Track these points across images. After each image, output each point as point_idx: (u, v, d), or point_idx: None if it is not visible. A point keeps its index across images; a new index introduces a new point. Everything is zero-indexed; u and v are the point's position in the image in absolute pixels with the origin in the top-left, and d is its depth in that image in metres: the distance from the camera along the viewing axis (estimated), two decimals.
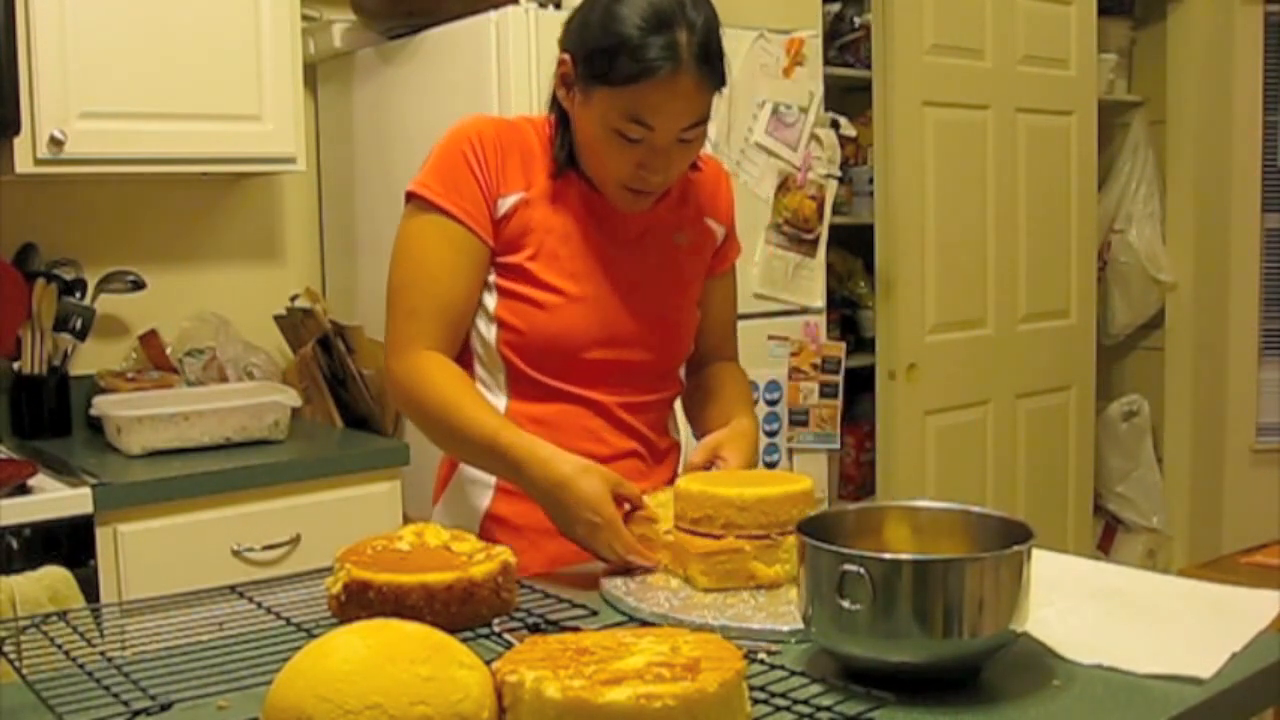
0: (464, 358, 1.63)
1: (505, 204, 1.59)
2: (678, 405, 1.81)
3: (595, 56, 1.49)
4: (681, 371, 1.76)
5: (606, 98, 1.50)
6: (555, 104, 1.61)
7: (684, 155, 1.57)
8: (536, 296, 1.59)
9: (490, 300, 1.61)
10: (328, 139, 3.13)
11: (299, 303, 2.99)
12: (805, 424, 3.02)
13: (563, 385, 1.62)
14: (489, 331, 1.61)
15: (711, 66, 1.50)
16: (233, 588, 1.35)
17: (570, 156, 1.61)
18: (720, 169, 1.82)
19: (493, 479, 1.62)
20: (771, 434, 2.97)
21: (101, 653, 1.18)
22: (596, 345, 1.61)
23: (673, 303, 1.69)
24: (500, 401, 1.62)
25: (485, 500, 1.64)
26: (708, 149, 2.59)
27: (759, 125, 2.89)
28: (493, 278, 1.61)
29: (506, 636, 1.19)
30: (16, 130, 2.36)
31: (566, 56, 1.55)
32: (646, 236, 1.67)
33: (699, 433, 1.75)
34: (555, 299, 1.59)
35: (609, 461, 1.57)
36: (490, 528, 1.62)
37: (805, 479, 1.45)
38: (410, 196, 1.61)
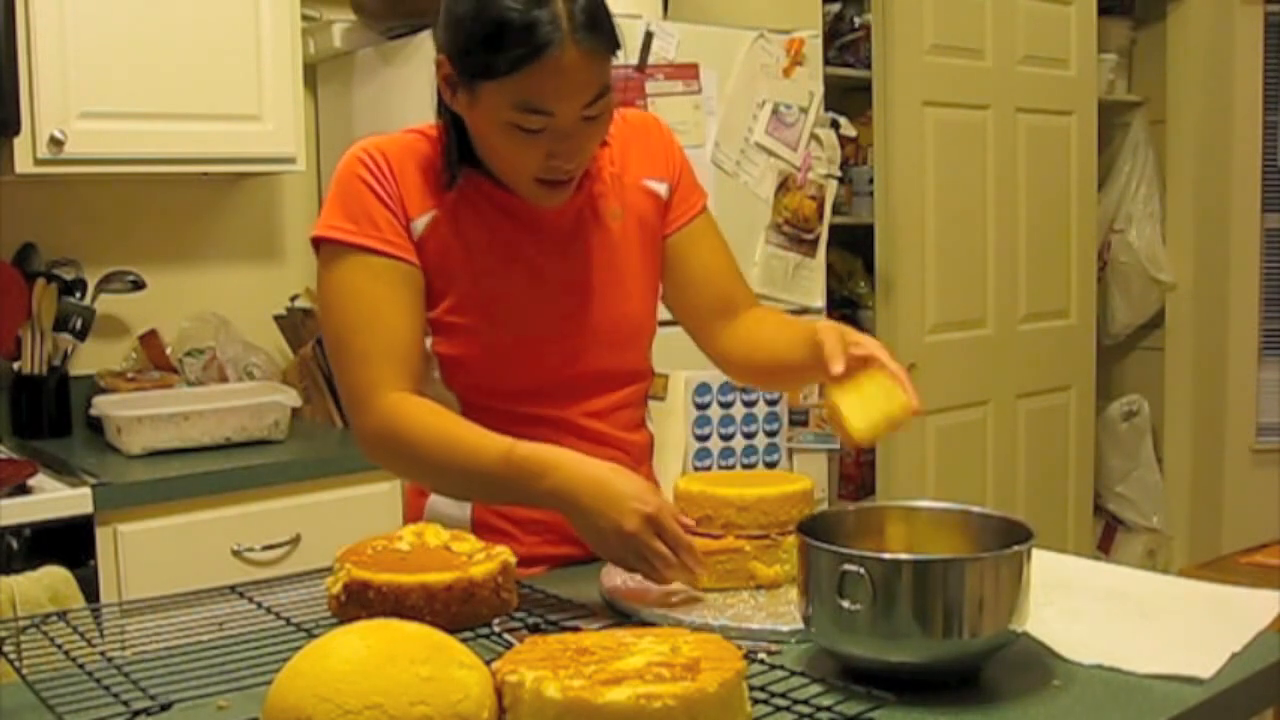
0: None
1: (419, 225, 1.47)
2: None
3: (472, 50, 1.36)
4: (650, 357, 1.65)
5: (494, 92, 1.36)
6: (442, 109, 1.47)
7: (594, 133, 1.43)
8: (470, 324, 1.49)
9: (426, 340, 1.50)
10: (328, 139, 3.13)
11: (299, 303, 2.99)
12: (805, 424, 3.02)
13: (522, 409, 1.51)
14: (432, 369, 1.52)
15: (600, 31, 1.36)
16: (233, 588, 1.35)
17: (468, 160, 1.49)
18: (651, 120, 1.67)
19: (466, 511, 1.55)
20: (771, 434, 2.96)
21: (101, 653, 1.18)
22: (546, 361, 1.52)
23: (620, 291, 1.56)
24: None
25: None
26: (707, 149, 2.55)
27: (759, 125, 2.89)
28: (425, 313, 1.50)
29: (506, 636, 1.19)
30: (16, 130, 2.36)
31: (443, 58, 1.41)
32: (579, 225, 1.54)
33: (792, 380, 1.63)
34: (491, 322, 1.49)
35: None
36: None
37: (805, 479, 1.45)
38: (319, 243, 1.48)
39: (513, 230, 1.51)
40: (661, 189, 1.61)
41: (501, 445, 1.38)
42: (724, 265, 1.67)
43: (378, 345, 1.44)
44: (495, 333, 1.50)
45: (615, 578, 1.42)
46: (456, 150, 1.48)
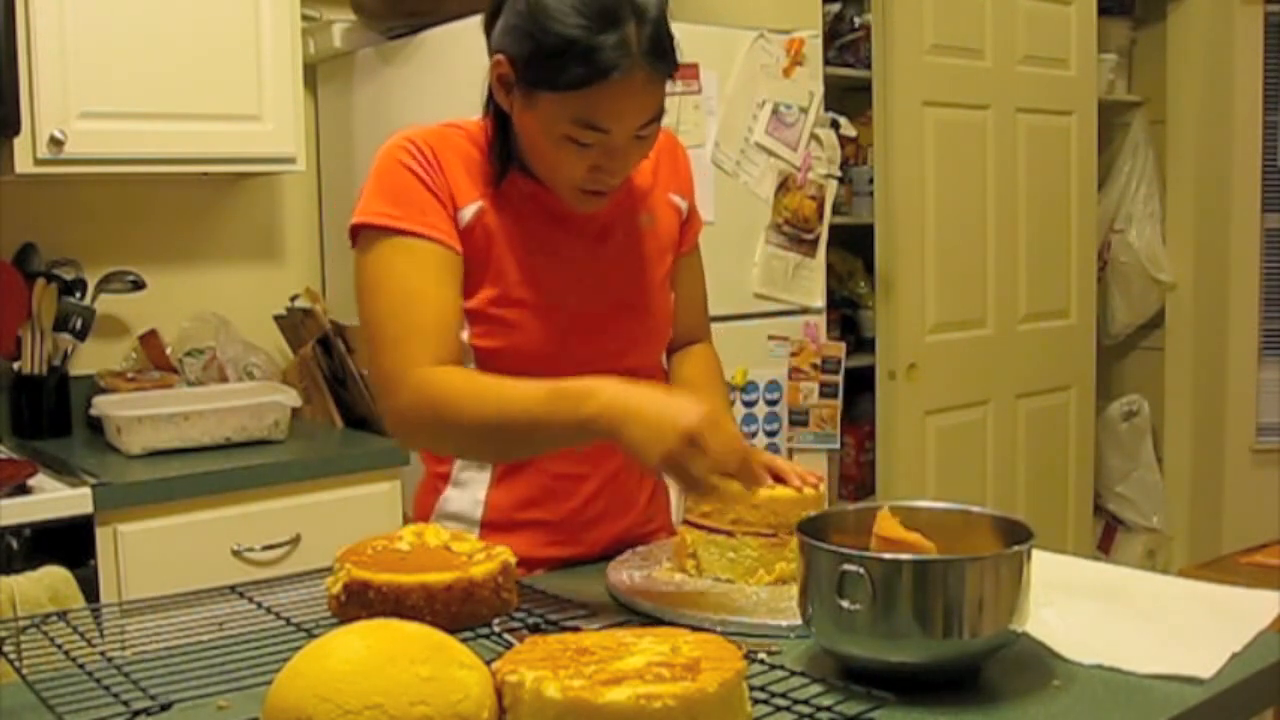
0: None
1: (467, 214, 1.47)
2: None
3: (536, 60, 1.35)
4: (663, 359, 1.68)
5: (553, 103, 1.36)
6: (491, 104, 1.48)
7: (640, 151, 1.45)
8: (507, 317, 1.49)
9: (463, 331, 1.49)
10: (328, 139, 3.13)
11: (299, 303, 2.99)
12: (805, 424, 3.02)
13: None
14: (467, 360, 1.50)
15: (665, 58, 1.37)
16: (233, 588, 1.35)
17: (511, 157, 1.49)
18: (675, 140, 1.69)
19: (478, 513, 1.56)
20: (771, 434, 2.97)
21: (101, 653, 1.18)
22: (578, 355, 1.50)
23: (647, 293, 1.59)
24: None
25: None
26: (707, 149, 2.56)
27: (759, 125, 2.89)
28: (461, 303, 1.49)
29: (506, 636, 1.19)
30: (16, 130, 2.36)
31: (502, 57, 1.40)
32: (613, 227, 1.56)
33: None
34: (528, 315, 1.49)
35: (609, 478, 1.56)
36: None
37: (819, 491, 1.45)
38: (358, 230, 1.47)
39: (551, 227, 1.52)
40: (683, 206, 1.66)
41: (543, 384, 1.33)
42: (701, 299, 1.73)
43: (415, 324, 1.42)
44: (531, 326, 1.50)
45: (621, 573, 1.43)
46: (505, 150, 1.49)
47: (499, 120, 1.48)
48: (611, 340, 1.55)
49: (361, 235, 1.47)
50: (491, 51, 1.43)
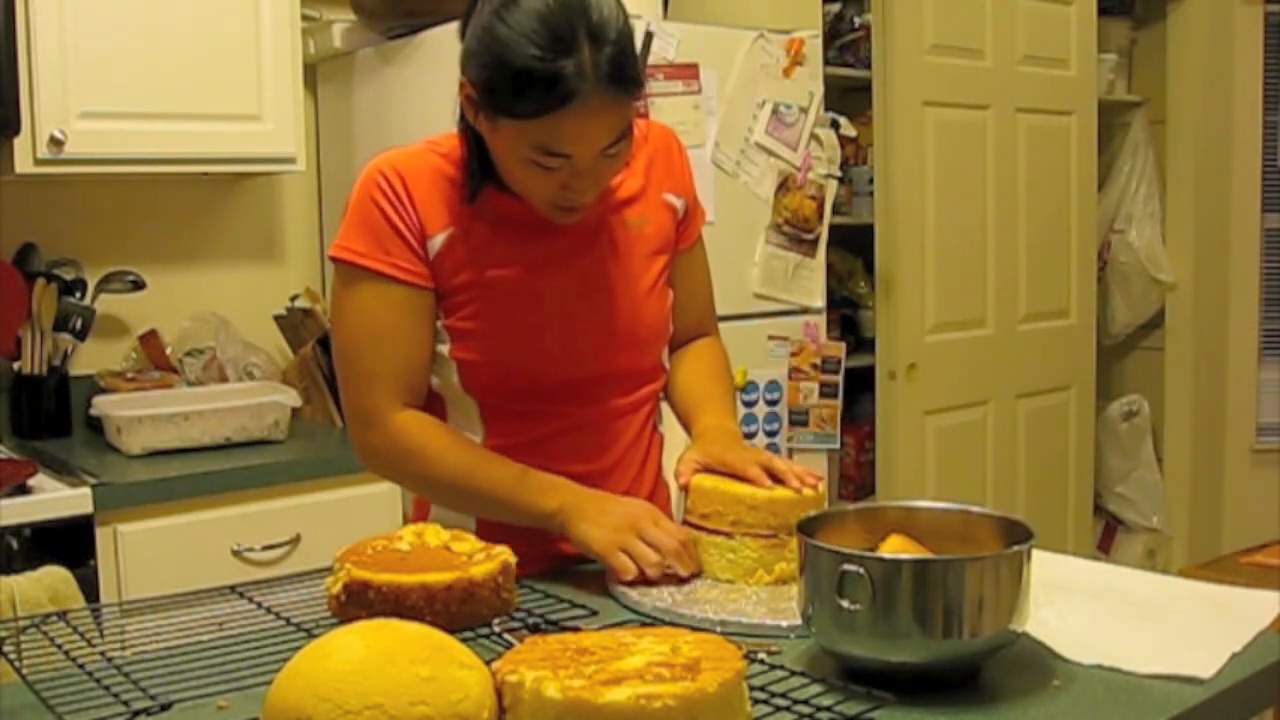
0: (433, 402, 1.55)
1: (436, 244, 1.49)
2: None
3: (493, 88, 1.35)
4: (665, 358, 1.67)
5: (514, 130, 1.37)
6: (464, 124, 1.48)
7: (611, 168, 1.45)
8: (487, 329, 1.50)
9: (444, 347, 1.52)
10: (328, 139, 3.13)
11: (299, 303, 2.99)
12: (805, 424, 3.02)
13: (541, 407, 1.54)
14: (451, 374, 1.53)
15: (626, 81, 1.35)
16: (233, 588, 1.35)
17: (488, 173, 1.49)
18: (671, 136, 1.67)
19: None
20: (771, 434, 2.96)
21: (101, 653, 1.18)
22: (562, 362, 1.53)
23: (639, 295, 1.58)
24: (478, 436, 1.55)
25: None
26: (707, 149, 2.56)
27: (759, 125, 2.89)
28: (441, 321, 1.51)
29: (506, 636, 1.19)
30: (16, 130, 2.36)
31: (464, 80, 1.41)
32: (599, 231, 1.56)
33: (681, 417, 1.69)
34: (507, 328, 1.51)
35: (601, 476, 1.56)
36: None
37: (819, 492, 1.45)
38: (336, 261, 1.51)
39: (531, 237, 1.52)
40: (680, 205, 1.65)
41: (512, 467, 1.48)
42: (705, 293, 1.74)
43: (385, 367, 1.49)
44: (512, 338, 1.51)
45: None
46: (477, 165, 1.49)
47: (473, 136, 1.48)
48: (601, 344, 1.56)
49: (338, 266, 1.52)
50: (460, 74, 1.44)
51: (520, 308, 1.51)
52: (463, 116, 1.47)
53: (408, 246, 1.48)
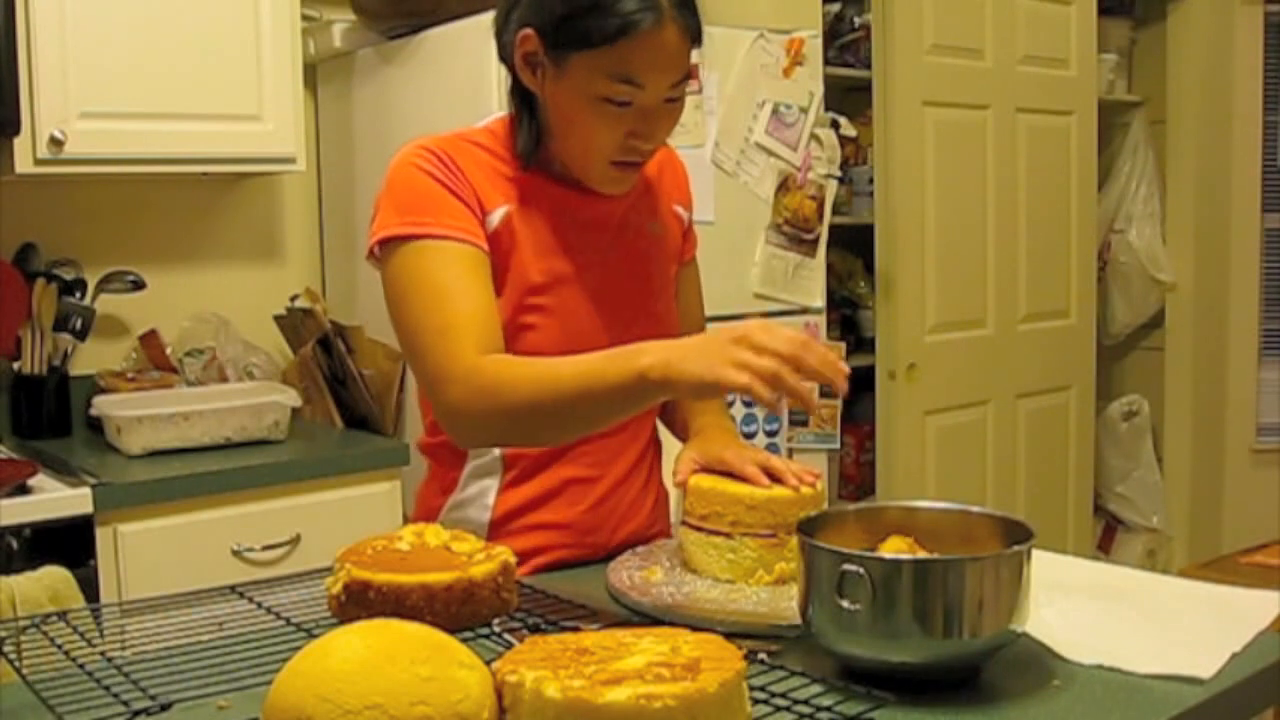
0: None
1: (495, 219, 1.46)
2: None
3: (567, 21, 1.38)
4: None
5: (587, 62, 1.38)
6: (515, 94, 1.49)
7: (670, 118, 1.46)
8: (523, 320, 1.49)
9: None
10: (328, 139, 3.13)
11: (299, 303, 2.99)
12: (805, 424, 3.02)
13: None
14: None
15: (694, 15, 1.41)
16: (233, 588, 1.35)
17: (537, 145, 1.49)
18: (673, 153, 1.71)
19: (485, 516, 1.57)
20: (771, 434, 2.97)
21: (101, 653, 1.18)
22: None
23: (655, 295, 1.61)
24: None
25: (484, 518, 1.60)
26: (707, 149, 2.56)
27: (759, 125, 2.89)
28: None
29: (506, 636, 1.19)
30: (16, 130, 2.36)
31: (529, 31, 1.41)
32: (624, 230, 1.58)
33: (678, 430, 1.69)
34: (541, 318, 1.49)
35: (615, 485, 1.57)
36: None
37: (818, 490, 1.45)
38: (381, 245, 1.44)
39: (570, 228, 1.53)
40: (686, 217, 1.70)
41: (593, 354, 1.33)
42: (698, 309, 1.75)
43: (452, 320, 1.38)
44: (545, 329, 1.50)
45: (621, 573, 1.43)
46: (532, 135, 1.49)
47: (524, 106, 1.49)
48: (628, 340, 1.54)
49: (384, 249, 1.44)
50: (515, 31, 1.44)
51: (555, 300, 1.50)
52: (514, 87, 1.49)
53: (468, 210, 1.44)
